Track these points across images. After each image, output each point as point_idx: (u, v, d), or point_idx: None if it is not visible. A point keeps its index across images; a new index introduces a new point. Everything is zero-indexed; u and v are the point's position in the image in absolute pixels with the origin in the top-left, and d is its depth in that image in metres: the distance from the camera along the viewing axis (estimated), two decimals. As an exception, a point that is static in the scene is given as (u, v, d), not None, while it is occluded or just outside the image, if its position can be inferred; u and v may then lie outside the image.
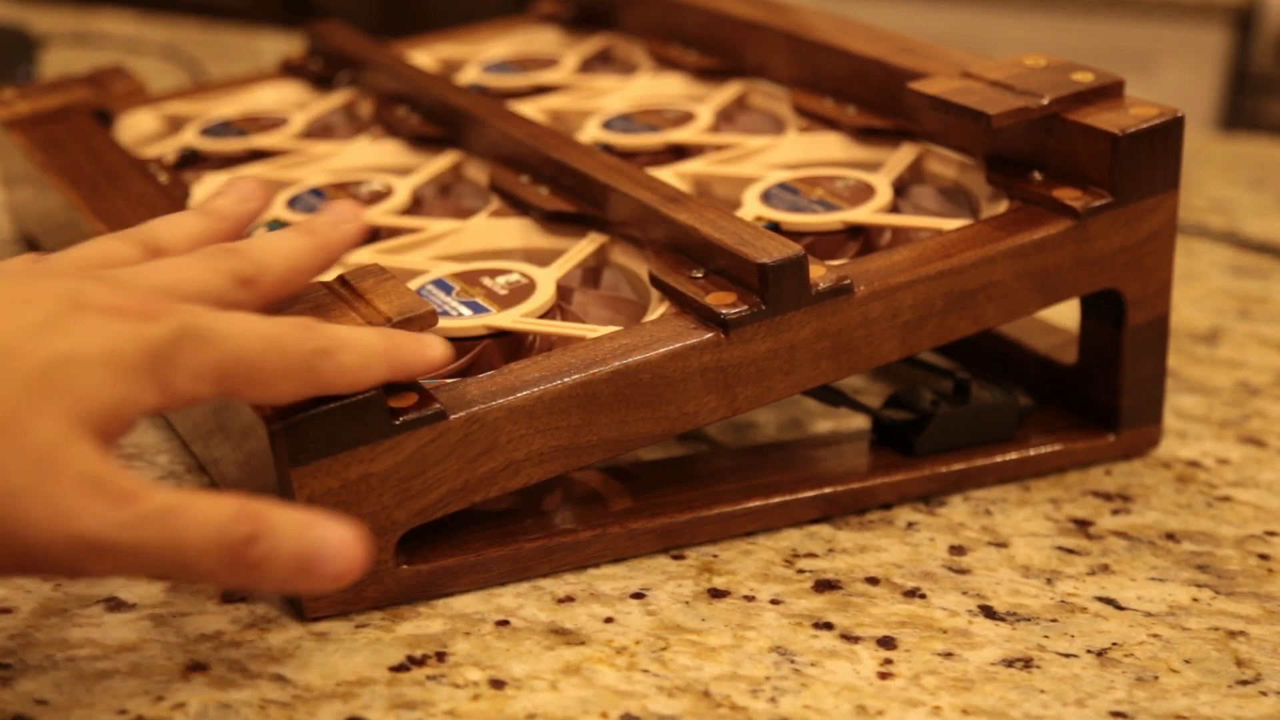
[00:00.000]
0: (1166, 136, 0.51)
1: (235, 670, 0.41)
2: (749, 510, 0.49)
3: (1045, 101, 0.52)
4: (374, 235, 0.57)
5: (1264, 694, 0.43)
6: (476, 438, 0.43)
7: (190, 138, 0.67)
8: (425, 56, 0.77)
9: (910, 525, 0.51)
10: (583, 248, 0.53)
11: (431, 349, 0.42)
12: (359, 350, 0.41)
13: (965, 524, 0.51)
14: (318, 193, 0.60)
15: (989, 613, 0.46)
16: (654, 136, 0.63)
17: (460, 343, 0.48)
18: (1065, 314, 0.59)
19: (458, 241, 0.55)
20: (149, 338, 0.36)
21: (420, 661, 0.42)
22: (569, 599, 0.45)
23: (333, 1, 2.14)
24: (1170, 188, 0.52)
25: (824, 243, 0.54)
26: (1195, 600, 0.47)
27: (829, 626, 0.45)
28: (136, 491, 0.34)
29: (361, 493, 0.42)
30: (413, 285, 0.51)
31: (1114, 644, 0.45)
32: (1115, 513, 0.53)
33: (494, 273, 0.52)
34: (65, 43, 1.16)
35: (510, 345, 0.49)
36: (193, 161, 0.65)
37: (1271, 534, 0.52)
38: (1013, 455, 0.53)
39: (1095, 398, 0.55)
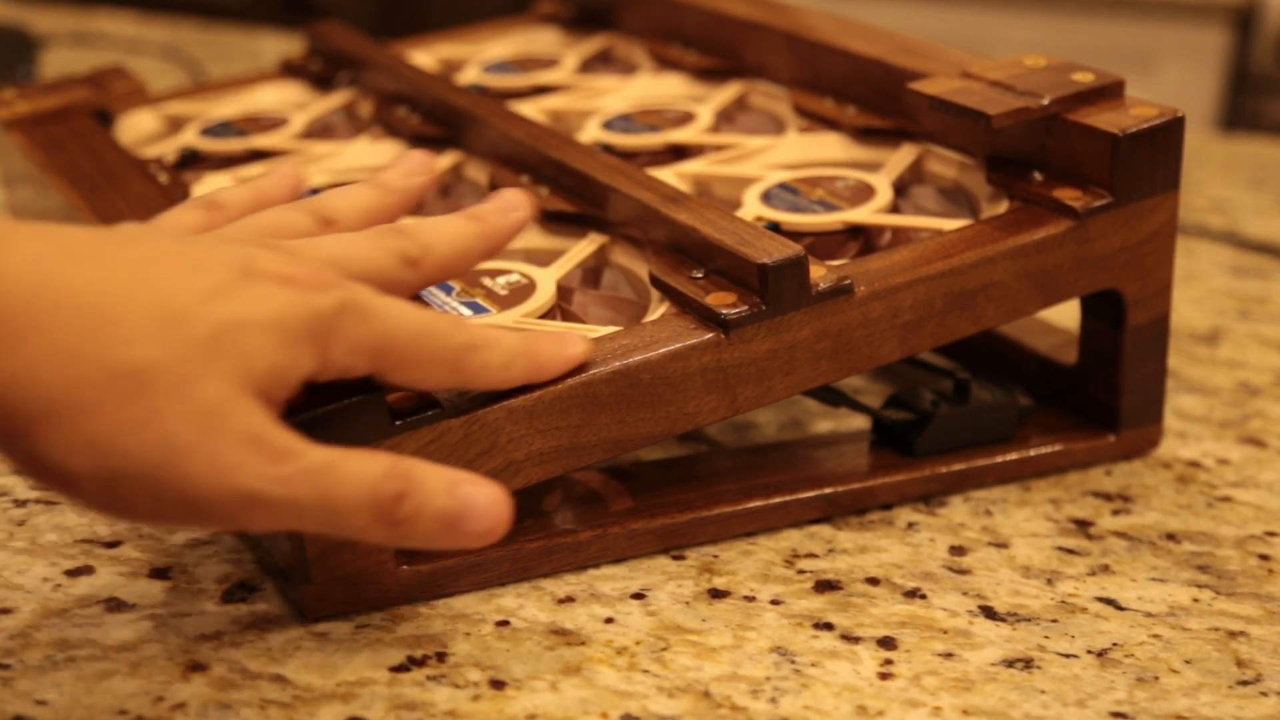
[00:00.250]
0: (1167, 136, 0.51)
1: (235, 670, 0.41)
2: (749, 510, 0.49)
3: (1045, 101, 0.52)
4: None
5: (1264, 694, 0.43)
6: (476, 438, 0.43)
7: (190, 138, 0.67)
8: (425, 56, 0.77)
9: (910, 525, 0.51)
10: (583, 248, 0.53)
11: (571, 348, 0.44)
12: (503, 349, 0.42)
13: (965, 524, 0.51)
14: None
15: (989, 613, 0.46)
16: (654, 137, 0.63)
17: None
18: (1065, 314, 0.59)
19: (458, 242, 0.55)
20: (314, 307, 0.37)
21: (420, 662, 0.42)
22: (569, 599, 0.45)
23: (333, 1, 2.14)
24: (1170, 188, 0.52)
25: (824, 243, 0.54)
26: (1196, 601, 0.47)
27: (829, 627, 0.45)
28: (294, 449, 0.36)
29: (362, 493, 0.42)
30: (413, 285, 0.51)
31: (1114, 644, 0.45)
32: (1115, 513, 0.53)
33: (494, 273, 0.52)
34: (65, 43, 1.16)
35: (510, 345, 0.48)
36: (193, 161, 0.65)
37: (1272, 534, 0.52)
38: (1013, 455, 0.53)
39: (1095, 398, 0.55)
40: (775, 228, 0.54)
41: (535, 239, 0.55)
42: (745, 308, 0.46)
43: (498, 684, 0.41)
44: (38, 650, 0.41)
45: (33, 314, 0.34)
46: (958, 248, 0.50)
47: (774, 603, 0.46)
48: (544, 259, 0.54)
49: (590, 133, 0.64)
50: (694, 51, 0.72)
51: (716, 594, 0.46)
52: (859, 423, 0.57)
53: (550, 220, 0.55)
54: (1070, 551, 0.50)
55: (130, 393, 0.34)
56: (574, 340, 0.44)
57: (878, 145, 0.61)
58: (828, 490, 0.50)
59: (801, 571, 0.48)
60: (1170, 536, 0.51)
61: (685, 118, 0.65)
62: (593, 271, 0.54)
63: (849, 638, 0.44)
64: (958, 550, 0.50)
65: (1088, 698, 0.42)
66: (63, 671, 0.40)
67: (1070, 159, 0.52)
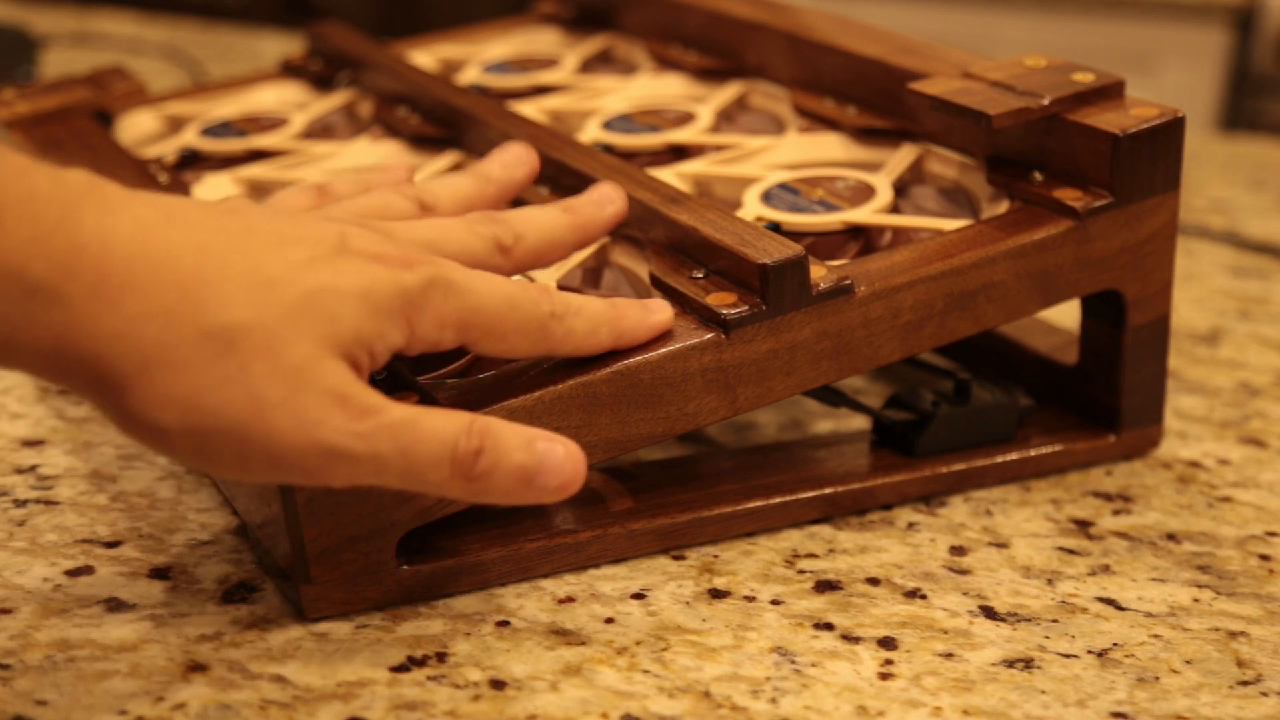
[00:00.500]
0: (1167, 137, 0.51)
1: (235, 670, 0.41)
2: (749, 511, 0.49)
3: (1046, 102, 0.52)
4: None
5: (1265, 695, 0.43)
6: (477, 438, 0.43)
7: (190, 138, 0.67)
8: (425, 56, 0.77)
9: (911, 526, 0.51)
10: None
11: (656, 314, 0.45)
12: (588, 316, 0.43)
13: (966, 524, 0.51)
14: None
15: (990, 613, 0.46)
16: (654, 137, 0.63)
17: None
18: (1065, 314, 0.59)
19: (458, 242, 0.55)
20: (403, 283, 0.39)
21: (421, 662, 0.42)
22: (569, 599, 0.45)
23: (333, 1, 2.14)
24: (1171, 188, 0.52)
25: (824, 243, 0.54)
26: (1196, 601, 0.47)
27: (829, 627, 0.45)
28: (377, 406, 0.38)
29: (362, 493, 0.42)
30: (413, 285, 0.51)
31: (1115, 644, 0.45)
32: (1116, 513, 0.53)
33: (494, 273, 0.51)
34: (65, 43, 1.16)
35: (511, 345, 0.48)
36: (193, 162, 0.65)
37: (1272, 534, 0.52)
38: (1013, 456, 0.53)
39: (1096, 398, 0.55)
40: (776, 228, 0.54)
41: (535, 239, 0.55)
42: (745, 308, 0.46)
43: (498, 684, 0.41)
44: (38, 650, 0.41)
45: (135, 275, 0.35)
46: (958, 248, 0.50)
47: (774, 603, 0.46)
48: (544, 259, 0.54)
49: (590, 133, 0.64)
50: (694, 52, 0.72)
51: (717, 594, 0.46)
52: (859, 423, 0.57)
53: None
54: (1071, 552, 0.50)
55: (221, 352, 0.36)
56: (658, 306, 0.45)
57: (878, 145, 0.61)
58: (828, 490, 0.50)
59: (802, 572, 0.48)
60: (1171, 537, 0.51)
61: (685, 118, 0.65)
62: (593, 271, 0.54)
63: (849, 638, 0.44)
64: (958, 550, 0.50)
65: (1088, 698, 0.42)
66: (63, 671, 0.40)
67: (1070, 159, 0.52)
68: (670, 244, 0.50)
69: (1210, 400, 0.62)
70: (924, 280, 0.49)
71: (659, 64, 0.73)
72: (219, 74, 1.07)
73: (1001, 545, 0.50)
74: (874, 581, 0.47)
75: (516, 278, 0.46)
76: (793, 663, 0.43)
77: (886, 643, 0.44)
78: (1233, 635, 0.46)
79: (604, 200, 0.49)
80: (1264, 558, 0.50)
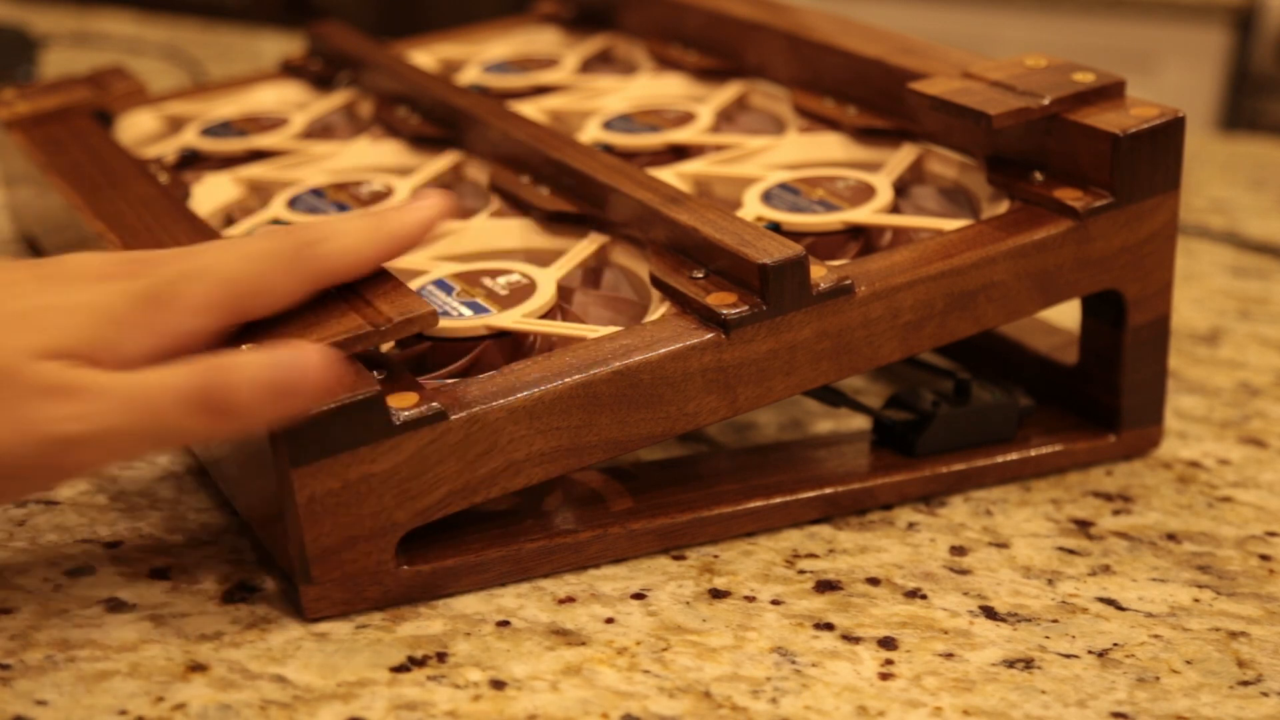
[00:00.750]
0: (1167, 137, 0.51)
1: (235, 670, 0.41)
2: (750, 511, 0.49)
3: (1046, 102, 0.52)
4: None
5: (1265, 695, 0.43)
6: (477, 438, 0.43)
7: (190, 138, 0.67)
8: (425, 56, 0.77)
9: (911, 526, 0.51)
10: (583, 248, 0.53)
11: (424, 210, 0.43)
12: (346, 232, 0.42)
13: (966, 524, 0.51)
14: (318, 193, 0.60)
15: (990, 613, 0.46)
16: (654, 137, 0.63)
17: (461, 343, 0.48)
18: (1065, 314, 0.59)
19: (458, 242, 0.55)
20: (129, 290, 0.39)
21: (421, 662, 0.42)
22: (569, 599, 0.45)
23: (333, 1, 2.14)
24: (1171, 188, 0.52)
25: (825, 243, 0.54)
26: (1196, 601, 0.47)
27: (830, 627, 0.45)
28: (95, 384, 0.37)
29: (362, 493, 0.42)
30: (413, 285, 0.51)
31: (1115, 644, 0.45)
32: (1116, 513, 0.53)
33: (494, 273, 0.52)
34: (65, 43, 1.15)
35: (511, 346, 0.49)
36: (193, 162, 0.65)
37: (1272, 534, 0.52)
38: (1013, 456, 0.53)
39: (1096, 398, 0.55)
40: (776, 228, 0.54)
41: (535, 239, 0.55)
42: (746, 308, 0.46)
43: (498, 684, 0.41)
44: (38, 650, 0.41)
45: None
46: (958, 248, 0.50)
47: (774, 603, 0.46)
48: (544, 259, 0.54)
49: (590, 133, 0.64)
50: (694, 52, 0.72)
51: (717, 594, 0.46)
52: (859, 423, 0.57)
53: (551, 220, 0.55)
54: (1071, 552, 0.50)
55: None
56: (427, 204, 0.44)
57: (878, 145, 0.61)
58: (828, 490, 0.50)
59: (802, 572, 0.48)
60: (1171, 537, 0.51)
61: (685, 118, 0.65)
62: (593, 271, 0.54)
63: (849, 638, 0.44)
64: (958, 550, 0.50)
65: (1088, 698, 0.42)
66: (63, 671, 0.40)
67: (1071, 159, 0.52)
68: (670, 244, 0.50)
69: (1210, 400, 0.62)
70: (924, 280, 0.49)
71: (659, 64, 0.73)
72: (219, 74, 1.07)
73: (1002, 545, 0.50)
74: (874, 581, 0.47)
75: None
76: (793, 663, 0.43)
77: (887, 643, 0.44)
78: (1233, 635, 0.46)
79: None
80: (1264, 558, 0.50)
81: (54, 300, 0.38)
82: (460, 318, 0.49)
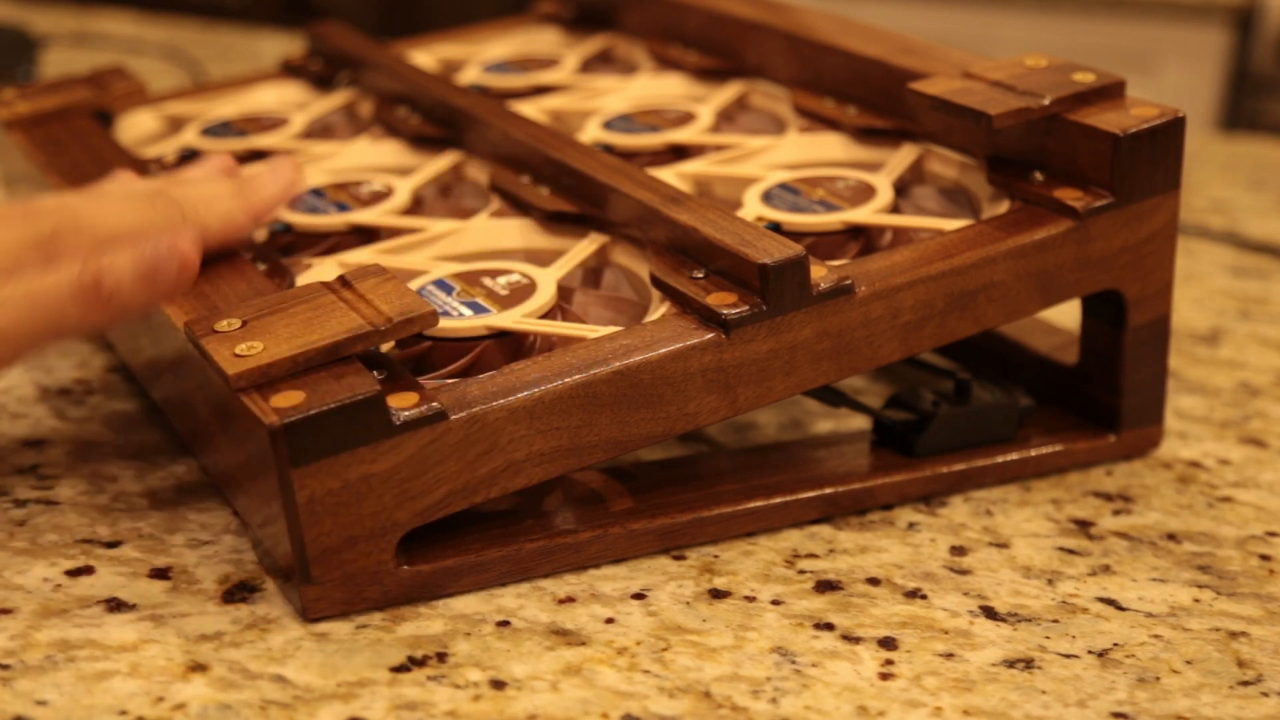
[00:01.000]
0: (1167, 137, 0.51)
1: (235, 670, 0.41)
2: (750, 511, 0.49)
3: (1046, 102, 0.52)
4: (374, 236, 0.58)
5: (1265, 695, 0.43)
6: (477, 438, 0.43)
7: (190, 138, 0.67)
8: (425, 56, 0.77)
9: (911, 526, 0.51)
10: (583, 248, 0.53)
11: (282, 177, 0.52)
12: (217, 197, 0.50)
13: (966, 524, 0.51)
14: (318, 193, 0.60)
15: (990, 613, 0.46)
16: (654, 137, 0.63)
17: (461, 343, 0.48)
18: (1066, 314, 0.59)
19: (458, 242, 0.55)
20: (25, 239, 0.46)
21: (421, 662, 0.42)
22: (570, 599, 0.45)
23: (333, 1, 2.14)
24: (1171, 188, 0.52)
25: (825, 243, 0.54)
26: (1196, 601, 0.47)
27: (830, 627, 0.45)
28: (5, 294, 0.43)
29: (362, 493, 0.42)
30: (413, 286, 0.51)
31: (1115, 645, 0.45)
32: (1116, 513, 0.53)
33: (495, 273, 0.52)
34: (65, 43, 1.15)
35: (511, 346, 0.49)
36: (192, 160, 0.65)
37: (1273, 534, 0.52)
38: (1013, 456, 0.53)
39: (1096, 398, 0.55)
40: (776, 228, 0.54)
41: (535, 239, 0.55)
42: (746, 308, 0.46)
43: (498, 684, 0.41)
44: (38, 650, 0.41)
45: None
46: (958, 248, 0.50)
47: (774, 603, 0.46)
48: (544, 259, 0.54)
49: (590, 133, 0.64)
50: (694, 51, 0.72)
51: (717, 594, 0.46)
52: (859, 423, 0.57)
53: (551, 220, 0.55)
54: (1071, 552, 0.50)
55: None
56: (279, 164, 0.52)
57: (878, 145, 0.61)
58: (828, 490, 0.50)
59: (802, 572, 0.48)
60: (1171, 537, 0.51)
61: (685, 118, 0.65)
62: (593, 271, 0.54)
63: (850, 638, 0.44)
64: (958, 550, 0.50)
65: (1088, 698, 0.42)
66: (63, 671, 0.40)
67: (1071, 159, 0.52)
68: (670, 244, 0.50)
69: (1210, 400, 0.62)
70: (924, 280, 0.49)
71: (659, 64, 0.73)
72: (219, 74, 1.07)
73: (1002, 545, 0.50)
74: (874, 581, 0.47)
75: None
76: (793, 663, 0.43)
77: (887, 643, 0.44)
78: (1233, 635, 0.46)
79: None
80: (1264, 558, 0.50)
81: None
82: (460, 318, 0.49)
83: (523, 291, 0.50)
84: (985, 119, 0.52)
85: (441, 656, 0.42)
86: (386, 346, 0.48)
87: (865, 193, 0.56)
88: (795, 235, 0.53)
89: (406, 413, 0.42)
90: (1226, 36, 2.03)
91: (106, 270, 0.43)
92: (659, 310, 0.48)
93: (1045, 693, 0.42)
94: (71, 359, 0.61)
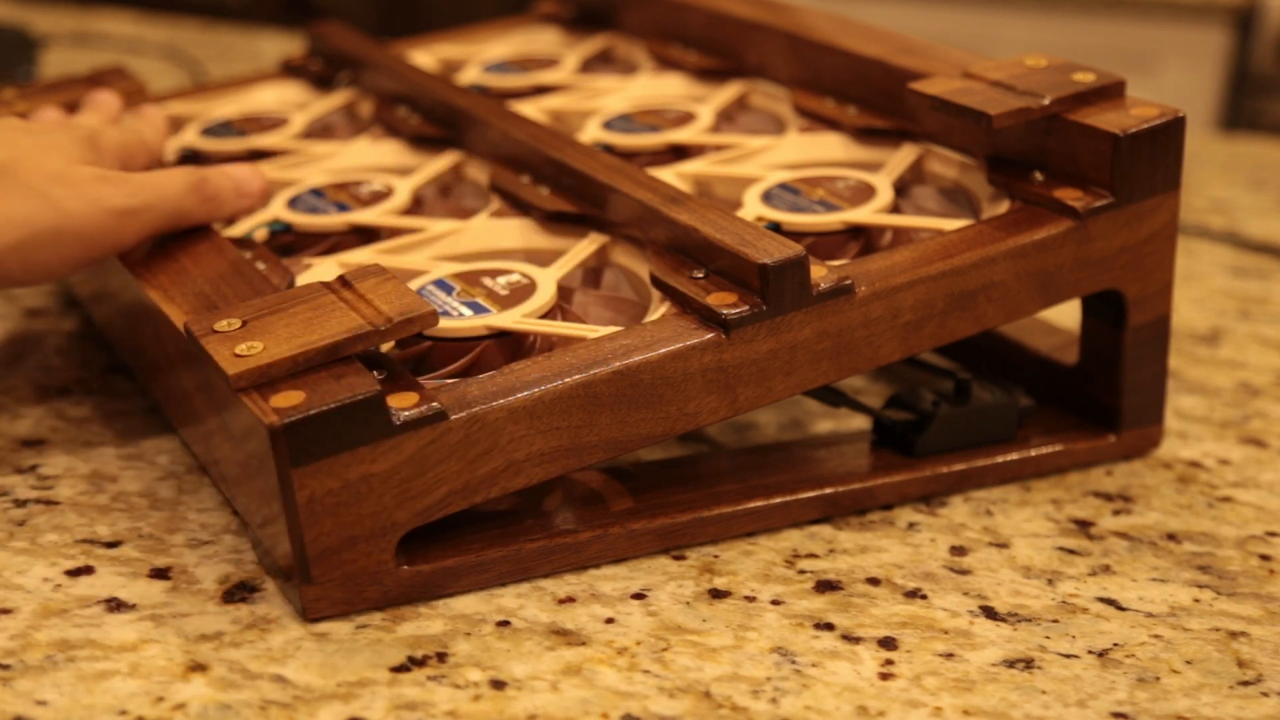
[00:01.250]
0: (1167, 137, 0.51)
1: (235, 670, 0.41)
2: (750, 511, 0.49)
3: (1046, 102, 0.52)
4: (374, 236, 0.58)
5: (1265, 695, 0.43)
6: (477, 438, 0.43)
7: (190, 138, 0.67)
8: (425, 56, 0.77)
9: (911, 526, 0.51)
10: (583, 248, 0.53)
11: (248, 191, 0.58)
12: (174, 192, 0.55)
13: (966, 524, 0.51)
14: (318, 192, 0.60)
15: (990, 613, 0.46)
16: (654, 137, 0.63)
17: (461, 343, 0.48)
18: (1066, 314, 0.59)
19: (458, 242, 0.55)
20: (76, 137, 0.55)
21: (421, 662, 0.42)
22: (570, 599, 0.45)
23: (333, 1, 2.14)
24: (1171, 188, 0.52)
25: (825, 243, 0.54)
26: (1196, 601, 0.47)
27: (830, 627, 0.45)
28: (132, 176, 0.53)
29: (362, 493, 0.42)
30: (413, 285, 0.51)
31: (1115, 644, 0.45)
32: (1116, 513, 0.53)
33: (495, 273, 0.52)
34: (65, 43, 1.15)
35: (511, 346, 0.49)
36: (193, 161, 0.65)
37: (1272, 534, 0.52)
38: (1014, 456, 0.53)
39: (1096, 398, 0.55)
40: (776, 228, 0.54)
41: (536, 239, 0.55)
42: (746, 308, 0.46)
43: (498, 684, 0.41)
44: (38, 650, 0.41)
45: None
46: (958, 248, 0.50)
47: (774, 603, 0.46)
48: (545, 259, 0.54)
49: (591, 133, 0.64)
50: (694, 52, 0.72)
51: (717, 594, 0.46)
52: (859, 423, 0.57)
53: (551, 220, 0.55)
54: (1071, 552, 0.50)
55: (4, 183, 0.50)
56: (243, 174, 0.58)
57: (878, 145, 0.61)
58: (828, 490, 0.50)
59: (802, 572, 0.48)
60: (1171, 537, 0.51)
61: (686, 118, 0.65)
62: (593, 271, 0.54)
63: (850, 638, 0.44)
64: (958, 550, 0.49)
65: (1088, 698, 0.42)
66: (63, 671, 0.40)
67: (1071, 159, 0.52)
68: (670, 244, 0.50)
69: (1210, 400, 0.62)
70: (924, 280, 0.49)
71: (659, 64, 0.73)
72: (219, 74, 1.07)
73: (1002, 545, 0.50)
74: (874, 581, 0.47)
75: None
76: (793, 663, 0.43)
77: (887, 643, 0.44)
78: (1233, 635, 0.46)
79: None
80: (1264, 558, 0.50)
81: (42, 140, 0.53)
82: (460, 318, 0.49)
83: (523, 291, 0.50)
84: (985, 119, 0.52)
85: (441, 656, 0.42)
86: (386, 346, 0.48)
87: (865, 193, 0.56)
88: (795, 235, 0.53)
89: (406, 413, 0.42)
90: (1226, 36, 2.03)
91: (211, 176, 0.55)
92: (659, 310, 0.48)
93: (1045, 693, 0.42)
94: (71, 359, 0.61)
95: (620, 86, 0.70)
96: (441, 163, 0.62)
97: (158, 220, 0.53)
